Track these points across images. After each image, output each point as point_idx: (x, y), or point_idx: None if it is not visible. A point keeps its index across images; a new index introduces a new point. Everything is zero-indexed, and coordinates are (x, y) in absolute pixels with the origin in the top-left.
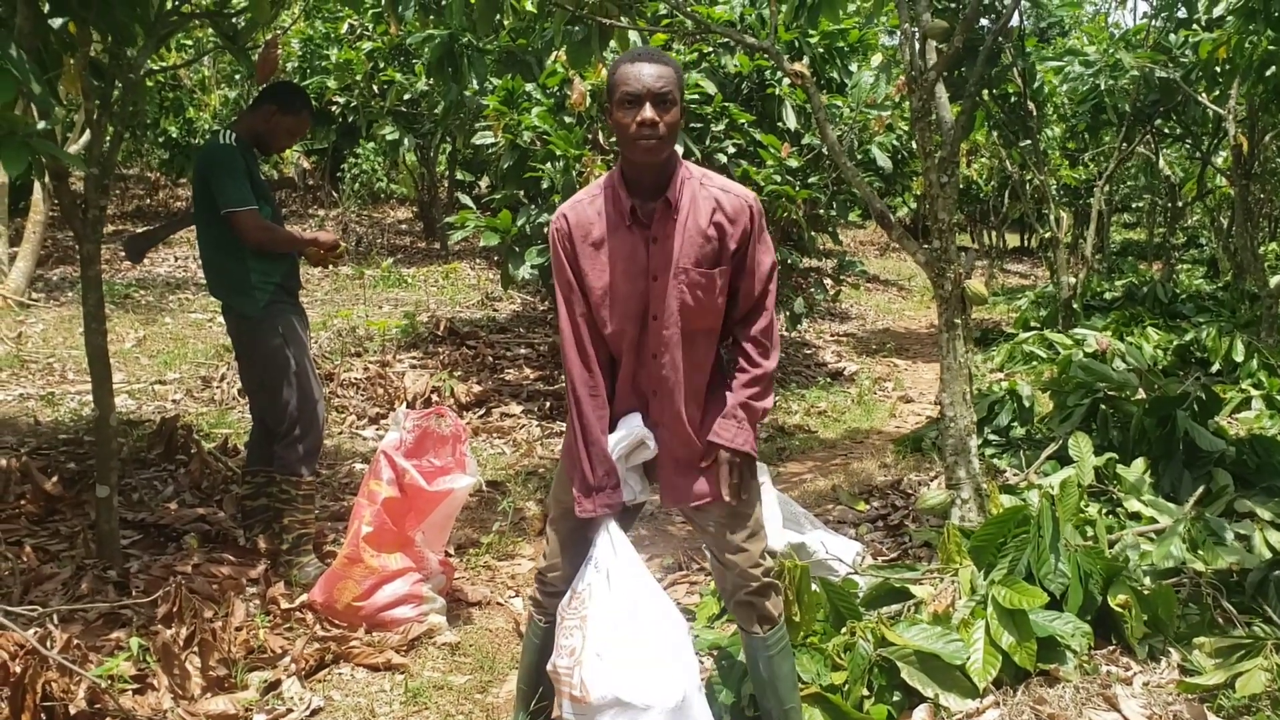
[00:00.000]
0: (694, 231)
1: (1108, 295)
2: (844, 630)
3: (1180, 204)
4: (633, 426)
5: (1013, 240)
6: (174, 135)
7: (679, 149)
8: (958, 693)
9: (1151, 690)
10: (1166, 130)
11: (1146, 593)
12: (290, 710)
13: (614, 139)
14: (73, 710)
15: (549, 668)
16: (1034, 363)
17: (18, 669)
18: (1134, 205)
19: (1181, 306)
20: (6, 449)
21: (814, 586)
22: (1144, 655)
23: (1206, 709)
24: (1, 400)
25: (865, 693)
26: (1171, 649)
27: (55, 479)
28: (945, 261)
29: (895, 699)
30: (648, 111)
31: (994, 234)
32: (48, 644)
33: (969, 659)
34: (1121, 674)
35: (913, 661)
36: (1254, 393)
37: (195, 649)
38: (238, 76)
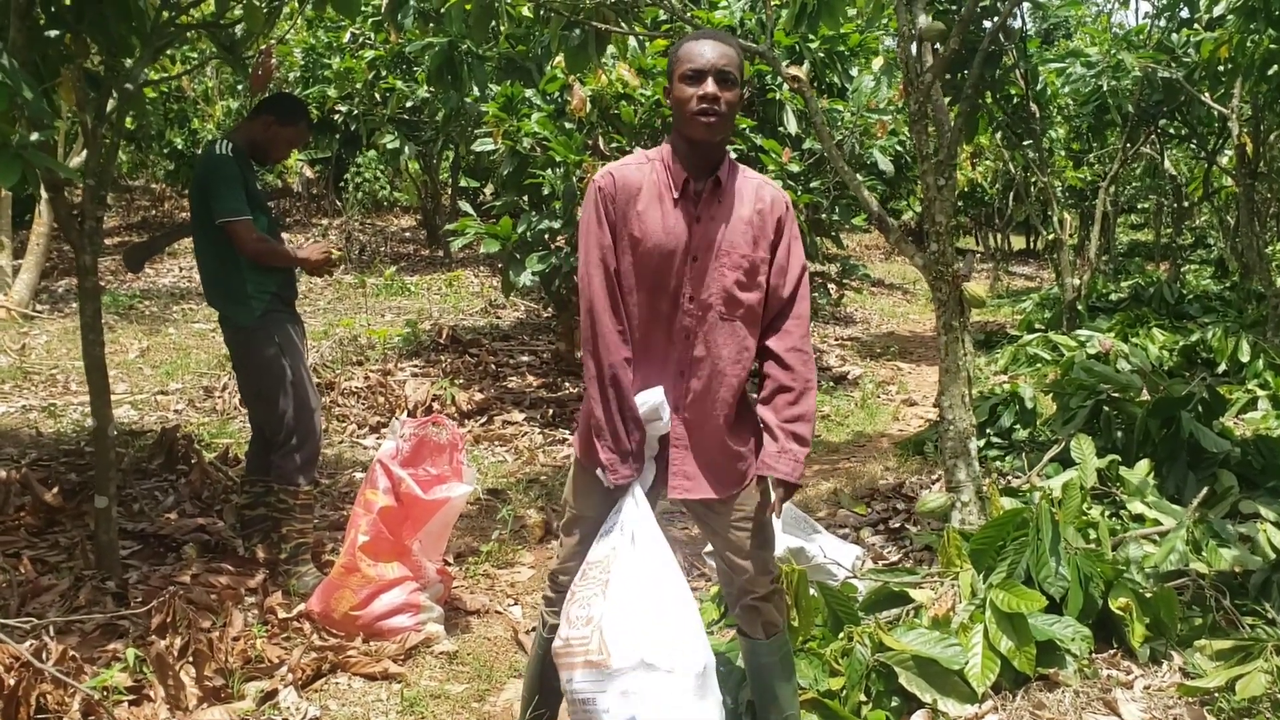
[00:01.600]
0: (739, 216)
1: (1113, 296)
2: (842, 635)
3: (1186, 204)
4: (650, 396)
5: (1018, 243)
6: (179, 146)
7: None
8: (956, 698)
9: (1152, 694)
10: (1171, 130)
11: (1148, 595)
12: None
13: (614, 146)
14: None
15: (553, 647)
16: (1038, 365)
17: (12, 681)
18: (1140, 206)
19: (1188, 307)
20: (7, 461)
21: (812, 591)
22: (1145, 659)
23: (1206, 712)
24: (4, 412)
25: (863, 698)
26: (1173, 652)
27: (55, 490)
28: (943, 265)
29: (894, 704)
30: (710, 86)
31: (999, 236)
32: (42, 656)
33: (967, 664)
34: (1122, 678)
35: (910, 666)
36: (1260, 393)
37: (190, 659)
38: (240, 87)
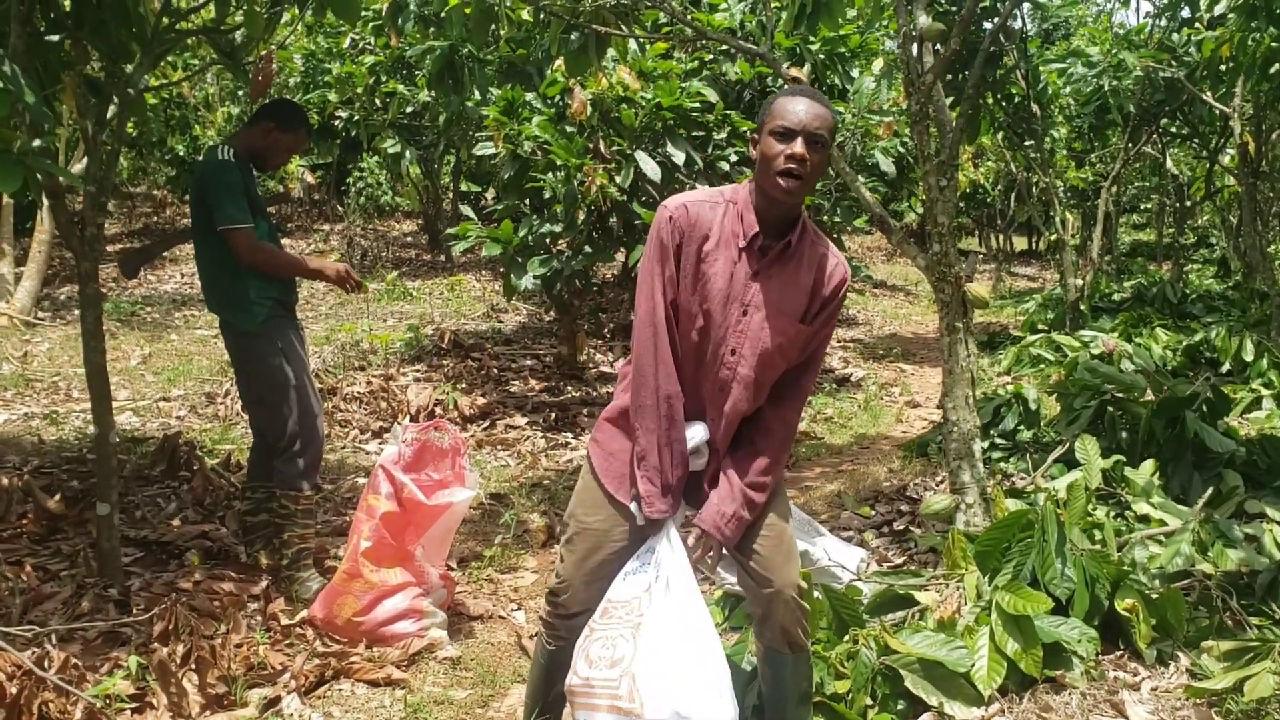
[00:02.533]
0: (798, 283)
1: (1116, 296)
2: (847, 638)
3: (1188, 204)
4: (697, 432)
5: (1020, 243)
6: (180, 153)
7: (682, 155)
8: (962, 701)
9: (1159, 696)
10: (1173, 130)
11: (1155, 596)
12: None
13: (615, 149)
14: None
15: (569, 683)
16: (1041, 366)
17: (14, 690)
18: (1142, 206)
19: (1191, 307)
20: (9, 468)
21: (817, 594)
22: (1152, 660)
23: (1215, 713)
24: (6, 419)
25: (869, 701)
26: (1180, 653)
27: (58, 497)
28: (946, 266)
29: (900, 708)
30: (799, 146)
31: (1001, 237)
32: (45, 664)
33: (973, 666)
34: (1129, 680)
35: (916, 669)
36: (1264, 392)
37: (193, 666)
38: (241, 93)
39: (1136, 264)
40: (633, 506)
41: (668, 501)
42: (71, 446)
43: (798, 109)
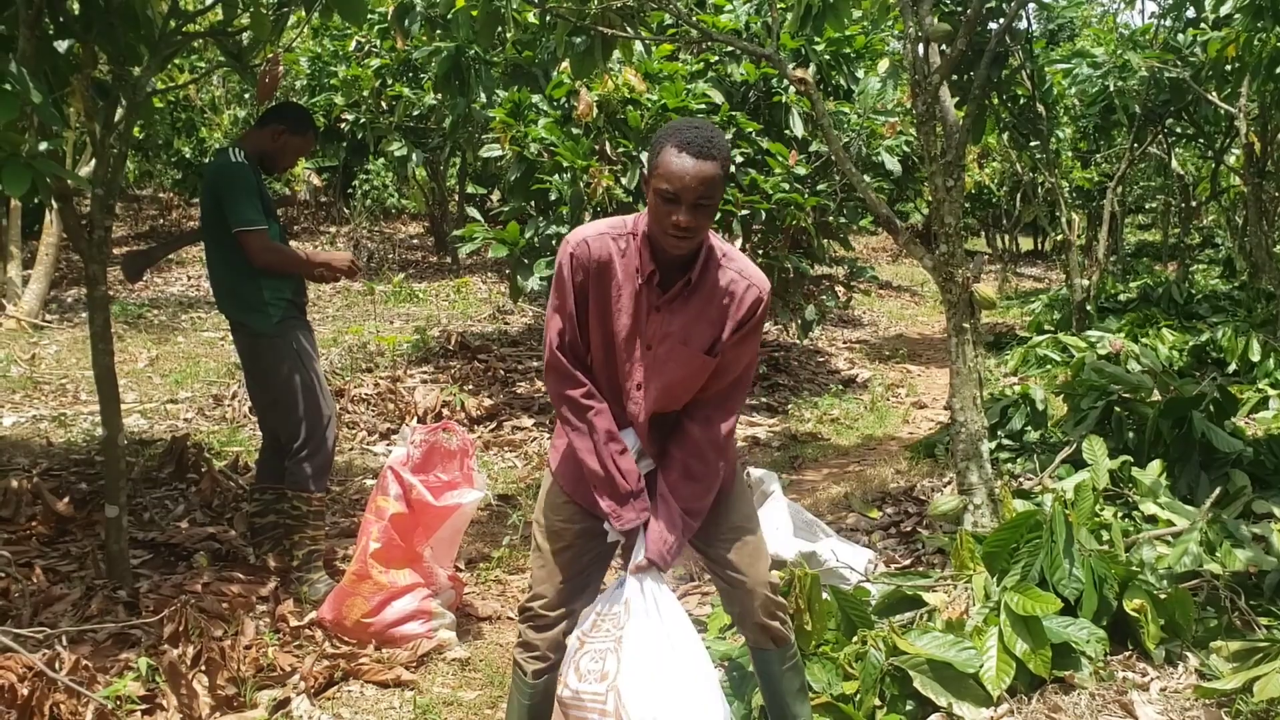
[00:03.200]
0: (701, 315)
1: (1122, 297)
2: (855, 639)
3: (1194, 204)
4: (627, 436)
5: (1026, 244)
6: (186, 155)
7: None
8: (971, 701)
9: (1168, 696)
10: (1179, 130)
11: (1163, 597)
12: None
13: (620, 151)
14: None
15: (560, 694)
16: (1048, 366)
17: (25, 691)
18: (1148, 206)
19: (1197, 307)
20: (19, 470)
21: (825, 595)
22: (1161, 660)
23: (1224, 714)
24: (15, 422)
25: (877, 702)
26: (1189, 654)
27: (66, 500)
28: (953, 266)
29: (908, 709)
30: (683, 215)
31: (1007, 238)
32: (55, 666)
33: (982, 667)
34: (1138, 680)
35: (925, 670)
36: (1271, 392)
37: (203, 668)
38: (247, 95)
39: (1142, 264)
40: (607, 528)
41: (634, 508)
42: (79, 449)
43: (684, 171)
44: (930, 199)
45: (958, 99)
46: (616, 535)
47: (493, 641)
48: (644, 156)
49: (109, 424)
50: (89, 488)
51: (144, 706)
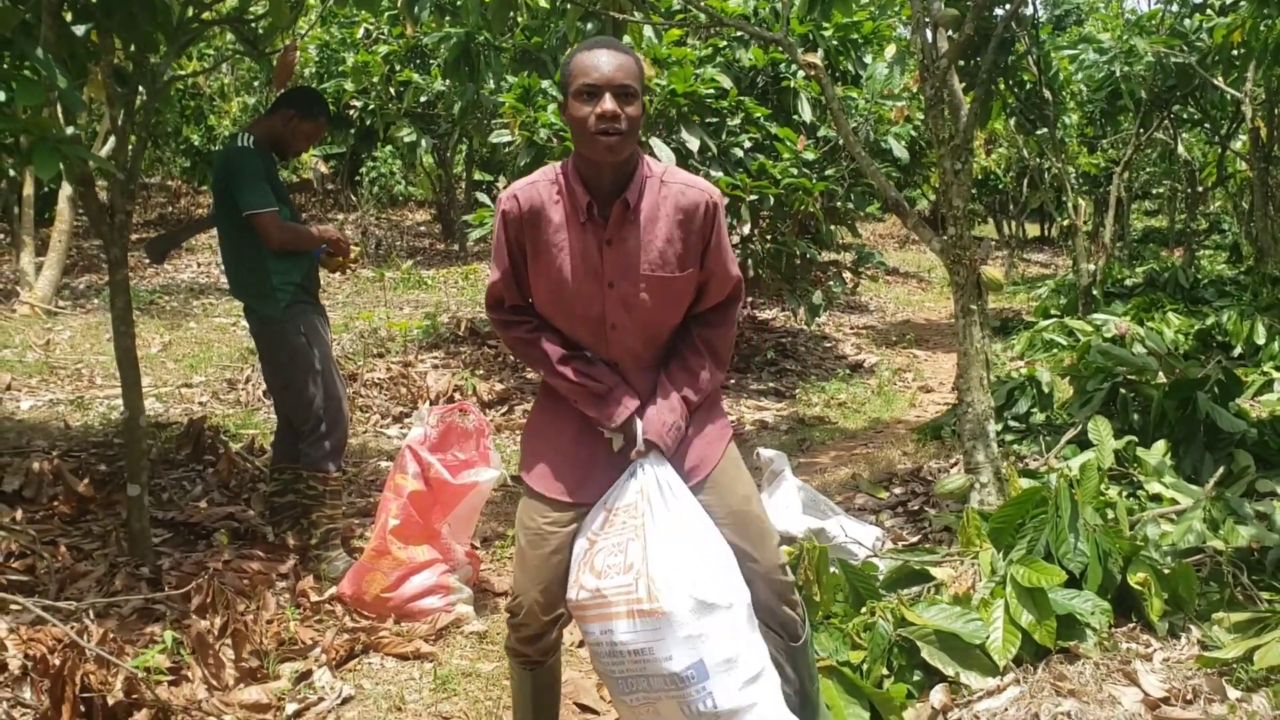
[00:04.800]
0: (654, 234)
1: (1129, 282)
2: (864, 610)
3: (1200, 189)
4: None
5: (1033, 230)
6: (195, 143)
7: (696, 141)
8: (978, 671)
9: (1171, 666)
10: (1185, 115)
11: (1167, 571)
12: (322, 699)
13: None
14: (110, 701)
15: (574, 598)
16: (1054, 350)
17: (56, 661)
18: (1154, 192)
19: (1203, 292)
20: (38, 452)
21: (833, 569)
22: (1164, 632)
23: (1225, 682)
24: (32, 405)
25: (885, 672)
26: (1192, 626)
27: (86, 480)
28: (961, 249)
29: (916, 678)
30: (608, 103)
31: (1014, 224)
32: (85, 637)
33: (989, 638)
34: (1141, 650)
35: (932, 641)
36: (1276, 375)
37: (229, 640)
38: (256, 83)
39: (1149, 250)
40: (610, 437)
41: (618, 400)
42: (97, 432)
43: (599, 62)
44: (938, 183)
45: (965, 84)
46: (615, 437)
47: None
48: (653, 142)
49: (130, 405)
50: (108, 469)
51: (170, 678)
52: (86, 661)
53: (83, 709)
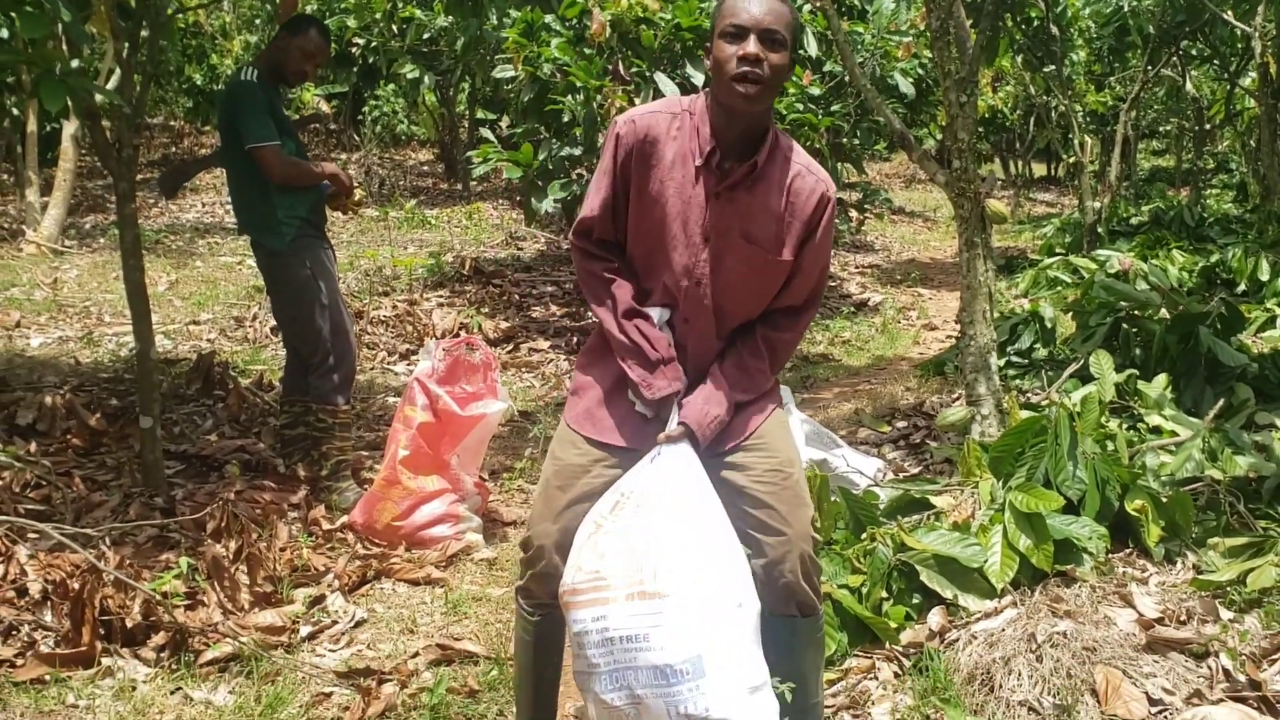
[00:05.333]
0: (766, 207)
1: (1134, 220)
2: (864, 537)
3: (1208, 127)
4: (655, 313)
5: (1040, 169)
6: (198, 82)
7: (701, 76)
8: (976, 594)
9: (1166, 589)
10: (1194, 52)
11: (1164, 499)
12: (335, 622)
13: (634, 71)
14: (129, 623)
15: (569, 583)
16: (1058, 288)
17: (76, 586)
18: (1161, 130)
19: (1208, 230)
20: (50, 388)
21: (834, 497)
22: (1160, 558)
23: (1218, 604)
24: (42, 342)
25: (884, 595)
26: (1188, 552)
27: (98, 415)
28: (966, 182)
29: (915, 601)
30: (752, 45)
31: (1020, 163)
32: (103, 562)
33: (987, 561)
34: (1137, 574)
35: (931, 565)
36: (1278, 311)
37: (243, 564)
38: (258, 21)
39: (1155, 188)
40: (637, 404)
41: (664, 375)
42: (107, 367)
43: (749, 4)
44: (944, 120)
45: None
46: (647, 408)
47: (517, 543)
48: (658, 76)
49: (141, 337)
50: (119, 404)
51: (187, 602)
52: (105, 586)
53: (102, 631)
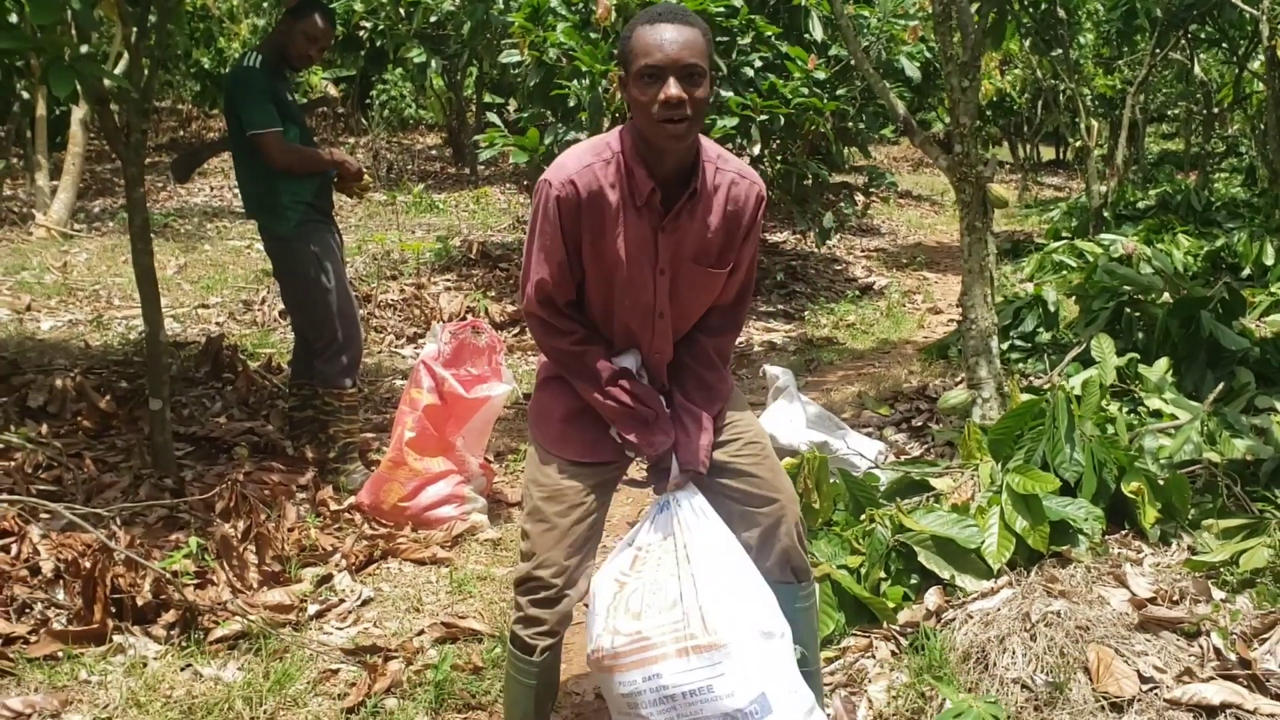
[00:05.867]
0: (709, 225)
1: (1141, 204)
2: (863, 518)
3: (1216, 111)
4: (629, 360)
5: (1048, 153)
6: (206, 66)
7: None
8: (973, 574)
9: (1161, 569)
10: (1202, 35)
11: (1161, 481)
12: (342, 600)
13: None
14: (140, 601)
15: (604, 650)
16: (1063, 272)
17: (88, 564)
18: (1170, 114)
19: (1215, 214)
20: (61, 370)
21: (833, 479)
22: (1156, 539)
23: (1211, 584)
24: (52, 326)
25: (882, 575)
26: (1184, 533)
27: (108, 397)
28: (967, 166)
29: (913, 582)
30: (673, 88)
31: (1028, 146)
32: (114, 542)
33: (984, 542)
34: (1132, 555)
35: (929, 546)
36: None
37: (252, 543)
38: (265, 4)
39: (1163, 173)
40: (630, 454)
41: (662, 430)
42: (116, 350)
43: (661, 40)
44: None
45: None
46: (647, 460)
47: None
48: None
49: (150, 320)
50: (129, 386)
51: (196, 581)
52: (116, 565)
53: (113, 609)
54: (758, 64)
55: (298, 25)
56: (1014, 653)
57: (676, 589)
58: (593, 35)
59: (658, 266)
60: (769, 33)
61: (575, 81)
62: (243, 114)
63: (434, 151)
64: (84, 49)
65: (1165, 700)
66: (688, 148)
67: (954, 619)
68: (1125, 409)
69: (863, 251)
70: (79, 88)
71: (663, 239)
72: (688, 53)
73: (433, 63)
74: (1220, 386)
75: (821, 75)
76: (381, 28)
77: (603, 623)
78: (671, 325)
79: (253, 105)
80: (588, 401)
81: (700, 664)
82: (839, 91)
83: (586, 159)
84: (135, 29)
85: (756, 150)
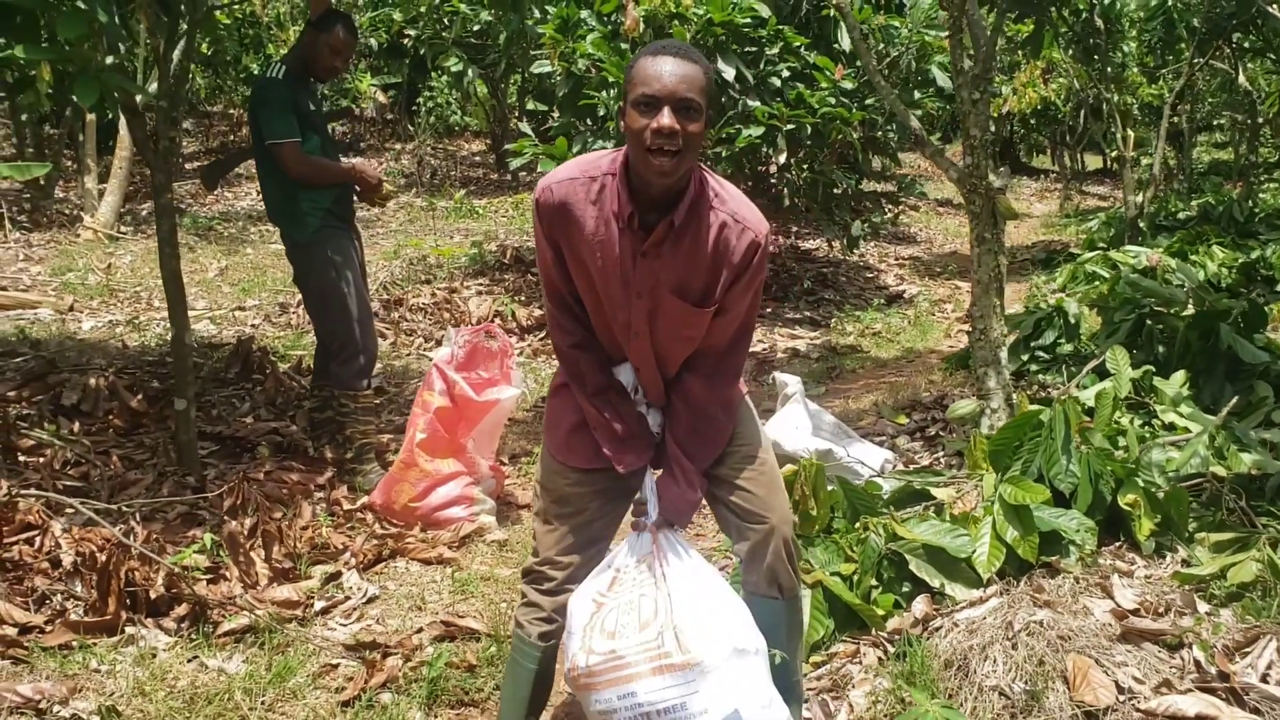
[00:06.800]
0: (692, 263)
1: (1181, 215)
2: (858, 524)
3: (1261, 120)
4: (625, 375)
5: (1094, 162)
6: (255, 72)
7: (732, 70)
8: (963, 583)
9: (1151, 582)
10: (1246, 45)
11: (1160, 495)
12: (348, 598)
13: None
14: (152, 595)
15: (580, 669)
16: (1095, 282)
17: (104, 558)
18: (1216, 123)
19: (1256, 226)
20: (96, 370)
21: (831, 486)
22: (1150, 551)
23: (1197, 597)
24: (93, 326)
25: (874, 583)
26: (1179, 546)
27: (140, 396)
28: (977, 178)
29: (904, 590)
30: (666, 118)
31: (1072, 155)
32: (131, 538)
33: (975, 552)
34: (1124, 567)
35: (920, 554)
36: None
37: (260, 540)
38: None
39: (1210, 182)
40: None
41: (633, 450)
42: (152, 351)
43: (660, 71)
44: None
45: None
46: (626, 469)
47: (530, 526)
48: None
49: (176, 322)
50: (160, 386)
51: (209, 576)
52: (131, 559)
53: (127, 601)
54: (785, 74)
55: (321, 37)
56: (995, 661)
57: (652, 609)
58: (622, 46)
59: (634, 289)
60: (797, 43)
61: (604, 91)
62: (262, 124)
63: (478, 158)
64: (109, 59)
65: (1140, 711)
66: (675, 181)
67: (941, 627)
68: (1140, 422)
69: (896, 260)
70: (105, 98)
71: (641, 263)
72: (685, 86)
73: (469, 71)
74: (1235, 400)
75: (849, 85)
76: (423, 37)
77: (579, 642)
78: (653, 351)
79: (272, 115)
80: (576, 398)
81: (674, 682)
82: (868, 101)
83: (574, 173)
84: (165, 39)
85: (783, 159)
